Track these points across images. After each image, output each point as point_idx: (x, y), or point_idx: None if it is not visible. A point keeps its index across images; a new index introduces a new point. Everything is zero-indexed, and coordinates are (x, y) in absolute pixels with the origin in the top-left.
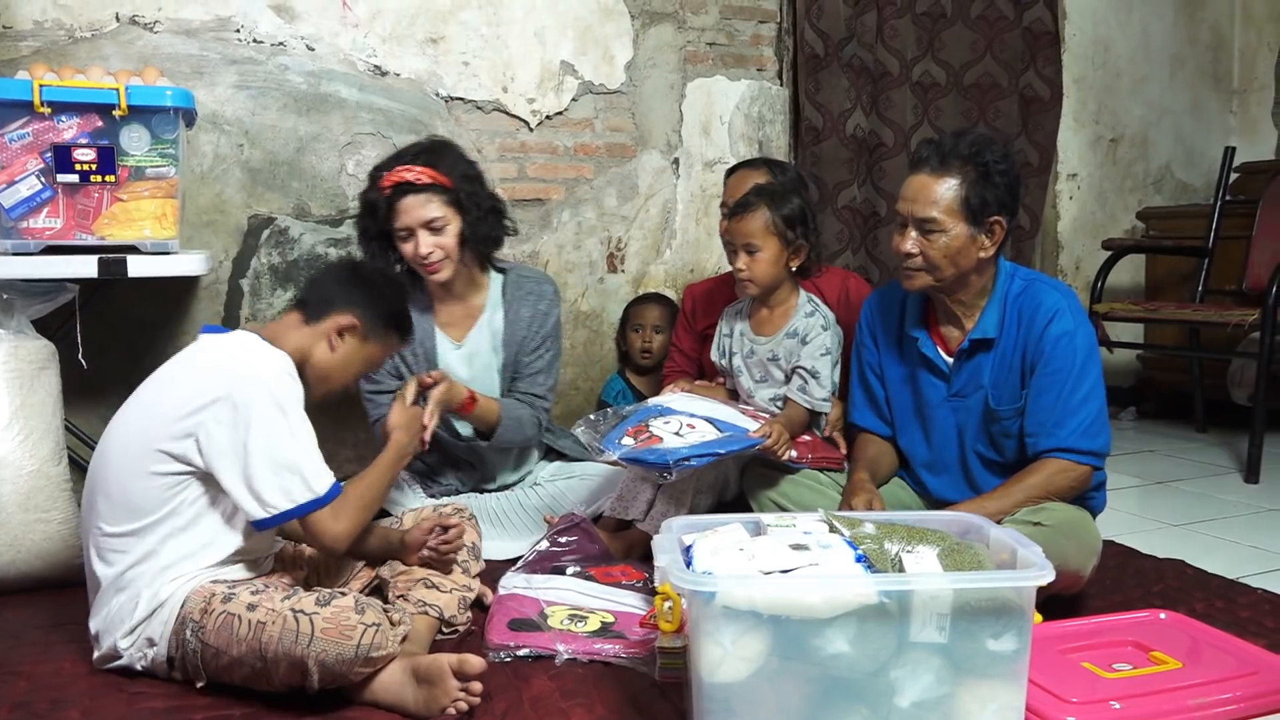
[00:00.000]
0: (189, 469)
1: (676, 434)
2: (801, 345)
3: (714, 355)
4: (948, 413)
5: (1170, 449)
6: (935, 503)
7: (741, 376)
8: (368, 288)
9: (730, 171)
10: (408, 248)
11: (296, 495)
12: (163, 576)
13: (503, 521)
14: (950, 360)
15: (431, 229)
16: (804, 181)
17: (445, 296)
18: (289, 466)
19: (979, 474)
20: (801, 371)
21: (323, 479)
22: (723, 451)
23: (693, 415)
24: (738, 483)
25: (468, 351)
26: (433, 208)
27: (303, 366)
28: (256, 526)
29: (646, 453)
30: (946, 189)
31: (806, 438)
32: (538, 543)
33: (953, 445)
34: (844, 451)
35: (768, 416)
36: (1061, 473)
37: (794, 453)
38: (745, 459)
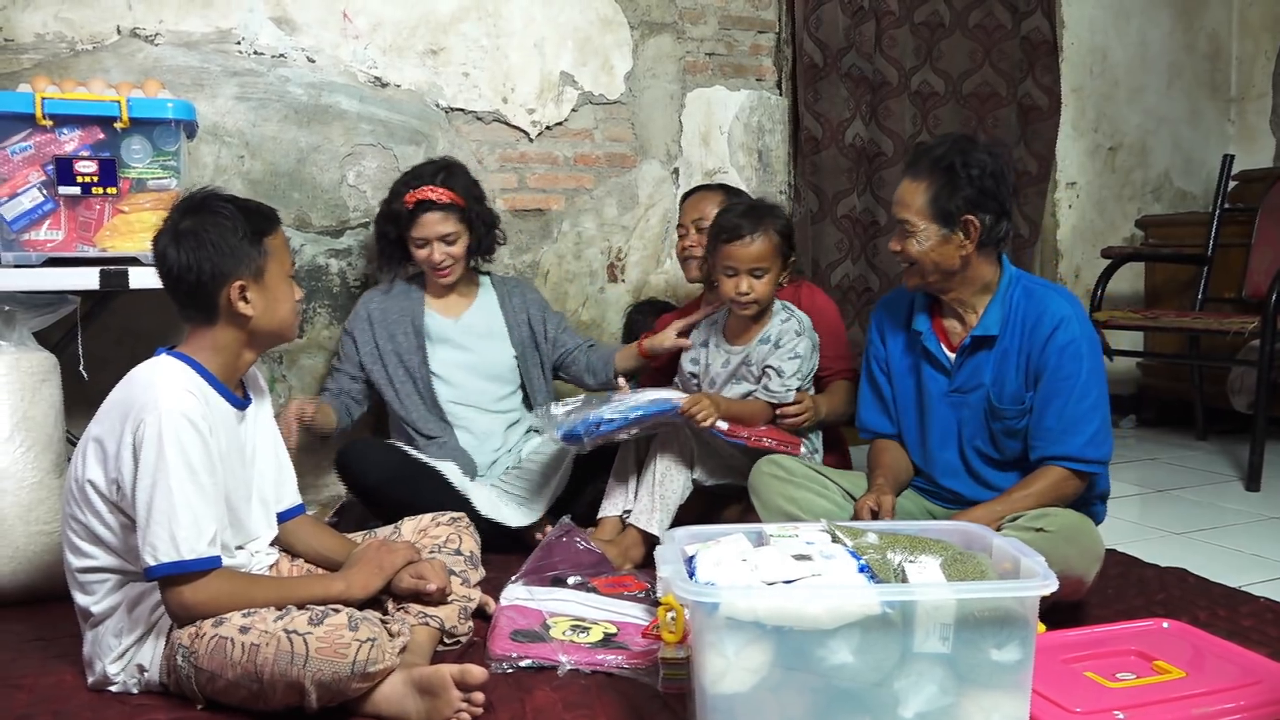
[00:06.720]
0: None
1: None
2: (775, 349)
3: (687, 365)
4: (947, 408)
5: (1171, 457)
6: (941, 489)
7: (716, 388)
8: (204, 248)
9: (687, 195)
10: (423, 254)
11: (161, 553)
12: (144, 602)
13: (511, 492)
14: (952, 356)
15: (445, 241)
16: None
17: (444, 291)
18: (160, 519)
19: (978, 469)
20: (769, 370)
21: (190, 544)
22: (639, 414)
23: (637, 399)
24: (706, 459)
25: (466, 323)
26: (449, 224)
27: (249, 346)
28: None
29: (577, 424)
30: (918, 192)
31: (763, 427)
32: (533, 553)
33: (951, 440)
34: (797, 440)
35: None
36: (1066, 481)
37: (723, 424)
38: (688, 430)
